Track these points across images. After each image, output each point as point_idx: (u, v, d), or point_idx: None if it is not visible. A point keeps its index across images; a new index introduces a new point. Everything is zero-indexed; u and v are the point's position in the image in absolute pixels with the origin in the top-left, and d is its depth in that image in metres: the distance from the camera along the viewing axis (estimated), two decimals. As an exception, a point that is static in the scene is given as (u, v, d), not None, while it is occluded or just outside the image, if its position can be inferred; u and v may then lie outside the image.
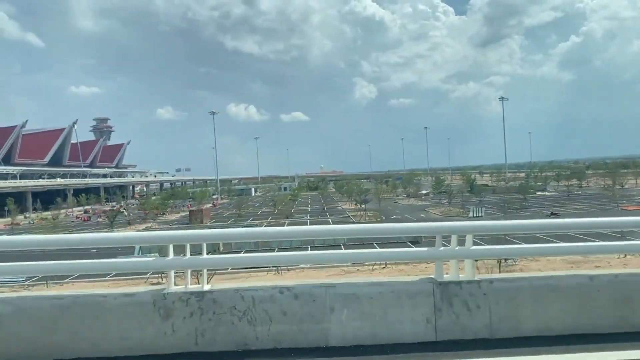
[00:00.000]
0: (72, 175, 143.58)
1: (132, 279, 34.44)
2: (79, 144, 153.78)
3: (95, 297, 4.54)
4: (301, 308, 4.54)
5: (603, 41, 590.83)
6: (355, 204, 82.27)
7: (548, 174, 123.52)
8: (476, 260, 5.03)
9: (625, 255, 30.03)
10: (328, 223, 67.79)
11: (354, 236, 4.98)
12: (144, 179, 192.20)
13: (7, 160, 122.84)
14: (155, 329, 4.45)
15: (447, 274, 4.88)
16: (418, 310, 4.60)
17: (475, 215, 65.81)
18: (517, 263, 35.90)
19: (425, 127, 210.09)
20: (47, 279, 35.65)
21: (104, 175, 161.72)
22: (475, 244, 4.98)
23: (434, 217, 70.73)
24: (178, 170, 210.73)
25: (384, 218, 69.33)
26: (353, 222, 65.62)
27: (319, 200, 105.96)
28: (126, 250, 40.13)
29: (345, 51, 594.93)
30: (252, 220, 74.30)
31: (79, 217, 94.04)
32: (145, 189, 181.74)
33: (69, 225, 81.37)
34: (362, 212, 72.14)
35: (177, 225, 72.70)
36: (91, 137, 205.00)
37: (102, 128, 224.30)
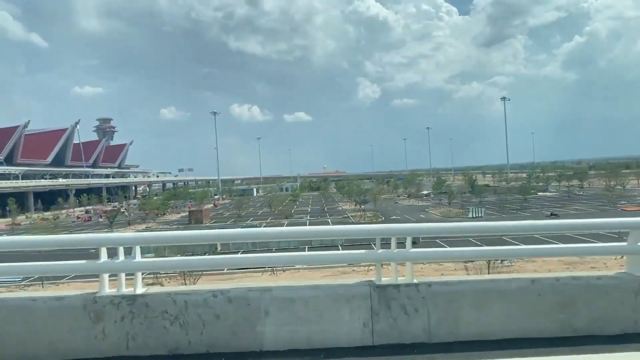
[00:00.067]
0: (75, 176, 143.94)
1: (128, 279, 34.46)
2: (81, 144, 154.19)
3: (24, 301, 4.49)
4: (235, 312, 4.48)
5: (607, 41, 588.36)
6: (355, 205, 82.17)
7: (550, 174, 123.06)
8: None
9: (623, 257, 29.86)
10: (327, 223, 67.76)
11: (293, 238, 4.91)
12: (146, 179, 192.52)
13: (10, 160, 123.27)
14: (86, 333, 4.39)
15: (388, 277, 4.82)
16: (355, 314, 4.53)
17: (474, 215, 65.67)
18: (513, 264, 35.78)
19: (428, 128, 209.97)
20: (43, 279, 35.79)
21: (107, 176, 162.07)
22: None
23: (434, 217, 70.60)
24: (180, 170, 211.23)
25: (383, 218, 69.26)
26: (352, 223, 65.62)
27: (320, 201, 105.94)
28: (126, 250, 40.34)
29: (348, 51, 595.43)
30: (251, 220, 74.36)
31: (79, 217, 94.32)
32: (147, 189, 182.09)
33: (69, 225, 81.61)
34: (361, 213, 72.00)
35: (176, 226, 72.79)
36: (94, 137, 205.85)
37: (105, 128, 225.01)
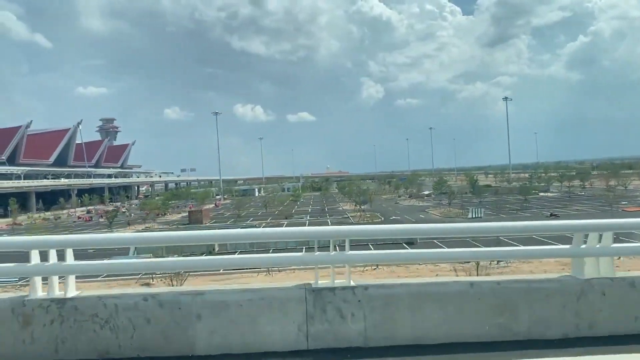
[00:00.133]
0: (77, 176, 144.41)
1: (125, 279, 34.62)
2: (83, 144, 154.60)
3: None
4: (166, 316, 4.42)
5: (612, 41, 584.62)
6: (355, 205, 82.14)
7: (552, 174, 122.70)
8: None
9: (620, 258, 29.73)
10: (327, 223, 67.80)
11: (238, 241, 4.87)
12: (148, 179, 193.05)
13: (12, 160, 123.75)
14: (14, 337, 4.34)
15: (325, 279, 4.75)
16: (289, 318, 4.47)
17: (474, 216, 65.52)
18: (509, 265, 35.69)
19: (430, 128, 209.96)
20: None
21: (109, 176, 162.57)
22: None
23: (433, 218, 70.42)
24: (183, 170, 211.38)
25: (382, 219, 69.24)
26: (351, 223, 65.62)
27: (321, 201, 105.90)
28: (123, 250, 40.54)
29: (352, 51, 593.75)
30: (251, 220, 74.44)
31: (80, 217, 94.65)
32: (149, 190, 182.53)
33: (69, 225, 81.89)
34: (360, 213, 71.96)
35: (176, 226, 72.94)
36: (98, 137, 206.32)
37: (108, 128, 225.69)
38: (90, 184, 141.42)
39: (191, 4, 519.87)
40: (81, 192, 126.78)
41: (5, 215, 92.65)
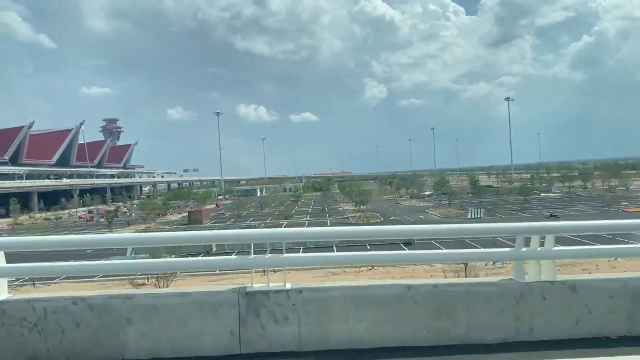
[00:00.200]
0: (79, 176, 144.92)
1: (121, 279, 34.67)
2: (85, 145, 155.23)
3: None
4: (96, 320, 4.39)
5: (616, 41, 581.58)
6: (355, 205, 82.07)
7: (554, 174, 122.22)
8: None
9: (616, 259, 29.56)
10: (326, 224, 67.78)
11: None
12: (151, 179, 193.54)
13: (15, 160, 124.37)
14: None
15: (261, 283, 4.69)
16: (222, 322, 4.42)
17: (473, 216, 65.27)
18: (504, 266, 35.49)
19: (432, 128, 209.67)
20: (35, 280, 35.96)
21: (111, 176, 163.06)
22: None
23: (433, 218, 70.26)
24: (186, 170, 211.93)
25: (382, 219, 69.09)
26: (351, 224, 65.54)
27: (323, 202, 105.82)
28: (121, 251, 40.62)
29: (355, 51, 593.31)
30: (251, 220, 74.46)
31: (82, 217, 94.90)
32: (152, 190, 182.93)
33: (70, 225, 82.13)
34: (360, 213, 71.88)
35: (176, 226, 73.04)
36: (101, 137, 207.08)
37: (111, 129, 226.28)
38: (92, 184, 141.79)
39: (194, 4, 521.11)
40: (83, 192, 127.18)
41: (7, 215, 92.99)
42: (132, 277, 33.78)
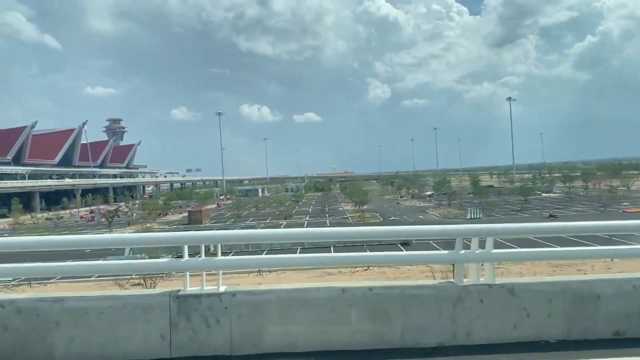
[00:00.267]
0: (82, 176, 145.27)
1: (116, 279, 34.73)
2: (88, 145, 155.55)
3: None
4: (24, 323, 4.36)
5: (620, 41, 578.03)
6: (354, 205, 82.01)
7: (556, 175, 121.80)
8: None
9: (612, 260, 29.40)
10: (326, 224, 67.74)
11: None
12: (154, 179, 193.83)
13: (17, 160, 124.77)
14: None
15: (196, 286, 4.67)
16: (152, 326, 4.40)
17: (472, 217, 65.03)
18: (500, 266, 35.40)
19: (435, 128, 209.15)
20: (31, 280, 36.08)
21: (114, 176, 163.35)
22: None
23: (433, 218, 70.09)
24: (189, 170, 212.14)
25: (381, 219, 69.00)
26: (350, 224, 65.48)
27: (323, 202, 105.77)
28: (119, 251, 40.71)
29: (358, 51, 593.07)
30: (251, 221, 74.49)
31: (83, 217, 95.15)
32: (155, 190, 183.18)
33: (71, 225, 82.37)
34: (359, 214, 71.79)
35: (176, 226, 73.15)
36: (105, 137, 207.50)
37: (115, 129, 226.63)
38: (94, 184, 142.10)
39: (198, 5, 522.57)
40: (86, 192, 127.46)
41: (9, 215, 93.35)
42: (128, 277, 33.89)
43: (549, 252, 5.09)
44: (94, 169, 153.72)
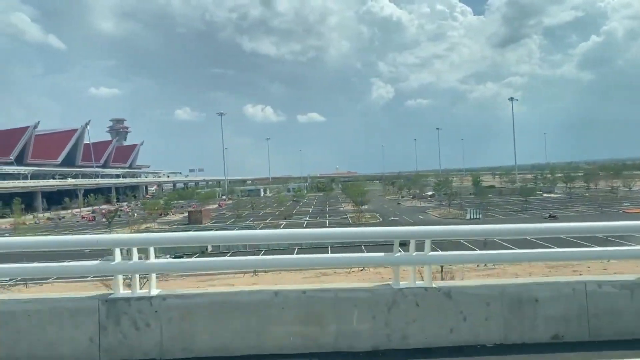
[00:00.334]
0: (85, 176, 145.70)
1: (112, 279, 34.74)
2: (91, 145, 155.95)
3: None
4: None
5: (625, 41, 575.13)
6: (354, 206, 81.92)
7: (558, 175, 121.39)
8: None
9: (609, 260, 29.24)
10: (325, 225, 67.67)
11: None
12: (156, 179, 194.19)
13: (20, 160, 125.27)
14: None
15: (127, 289, 4.64)
16: (81, 329, 4.37)
17: (472, 217, 64.86)
18: (495, 267, 35.22)
19: (437, 128, 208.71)
20: (27, 280, 36.19)
21: (117, 176, 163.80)
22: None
23: (432, 219, 69.93)
24: (191, 170, 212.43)
25: (381, 219, 68.90)
26: (349, 224, 65.39)
27: (324, 202, 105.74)
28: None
29: (362, 52, 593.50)
30: (251, 221, 74.54)
31: (84, 217, 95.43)
32: (158, 190, 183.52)
33: (72, 225, 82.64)
34: (358, 214, 71.69)
35: (176, 226, 73.28)
36: (108, 137, 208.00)
37: (118, 129, 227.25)
38: (96, 184, 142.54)
39: (202, 6, 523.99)
40: (88, 192, 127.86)
41: (11, 215, 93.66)
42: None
43: (488, 254, 5.02)
44: (96, 169, 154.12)
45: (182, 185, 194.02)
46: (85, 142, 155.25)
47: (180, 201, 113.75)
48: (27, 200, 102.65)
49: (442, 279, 25.49)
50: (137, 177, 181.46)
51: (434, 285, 4.63)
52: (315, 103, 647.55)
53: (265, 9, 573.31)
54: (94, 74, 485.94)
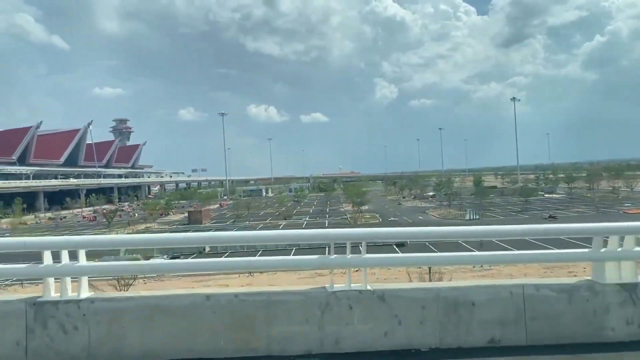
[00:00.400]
0: (87, 176, 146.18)
1: (112, 279, 34.84)
2: (93, 145, 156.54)
3: None
4: None
5: (629, 40, 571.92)
6: (354, 206, 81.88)
7: (560, 175, 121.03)
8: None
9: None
10: (324, 224, 67.63)
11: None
12: (159, 179, 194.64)
13: (23, 160, 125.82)
14: None
15: (58, 292, 4.59)
16: (7, 332, 4.34)
17: (471, 218, 64.74)
18: (491, 268, 35.09)
19: (440, 128, 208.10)
20: (22, 280, 36.27)
21: (119, 176, 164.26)
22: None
23: (432, 219, 69.78)
24: (194, 170, 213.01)
25: (380, 220, 68.84)
26: (348, 224, 65.31)
27: (325, 202, 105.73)
28: (115, 252, 40.86)
29: (365, 52, 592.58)
30: (251, 221, 74.58)
31: (85, 217, 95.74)
32: (160, 190, 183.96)
33: (73, 225, 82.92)
34: (358, 214, 71.63)
35: (176, 226, 73.41)
36: (111, 137, 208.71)
37: (121, 129, 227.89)
38: (98, 183, 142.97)
39: (206, 6, 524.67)
40: (90, 192, 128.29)
41: (13, 215, 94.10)
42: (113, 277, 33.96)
43: (423, 257, 4.94)
44: (99, 169, 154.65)
45: (184, 185, 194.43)
46: (88, 142, 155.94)
47: (181, 201, 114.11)
48: (29, 200, 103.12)
49: (430, 280, 25.44)
50: (139, 177, 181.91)
51: (368, 288, 4.56)
52: (318, 103, 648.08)
53: (268, 9, 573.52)
54: (97, 74, 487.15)
